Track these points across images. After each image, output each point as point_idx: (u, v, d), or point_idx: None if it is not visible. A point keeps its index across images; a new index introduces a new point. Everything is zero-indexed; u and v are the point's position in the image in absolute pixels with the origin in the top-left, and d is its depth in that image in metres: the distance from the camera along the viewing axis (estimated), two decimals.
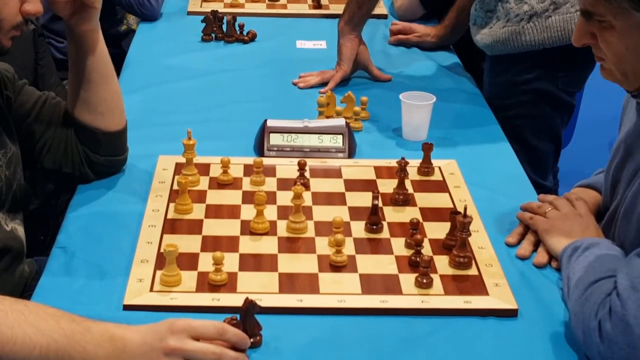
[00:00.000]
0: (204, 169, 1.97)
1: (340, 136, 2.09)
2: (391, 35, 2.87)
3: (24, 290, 1.77)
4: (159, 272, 1.59)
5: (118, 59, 2.24)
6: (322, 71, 2.53)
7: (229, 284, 1.58)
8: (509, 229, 1.80)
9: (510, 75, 2.47)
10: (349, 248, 1.69)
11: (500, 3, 2.41)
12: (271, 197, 1.85)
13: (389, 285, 1.60)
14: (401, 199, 1.87)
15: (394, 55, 2.78)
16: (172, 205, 1.82)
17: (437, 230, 1.77)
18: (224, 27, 2.86)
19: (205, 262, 1.63)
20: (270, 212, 1.79)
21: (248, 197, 1.85)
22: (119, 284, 1.57)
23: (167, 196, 1.86)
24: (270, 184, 1.93)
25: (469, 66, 2.74)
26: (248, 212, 1.80)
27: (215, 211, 1.82)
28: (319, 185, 1.94)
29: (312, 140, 2.08)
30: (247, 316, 1.42)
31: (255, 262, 1.65)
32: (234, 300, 1.50)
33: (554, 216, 1.74)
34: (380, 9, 3.08)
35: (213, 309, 1.51)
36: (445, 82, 2.58)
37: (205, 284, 1.57)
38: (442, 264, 1.66)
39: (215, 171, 1.96)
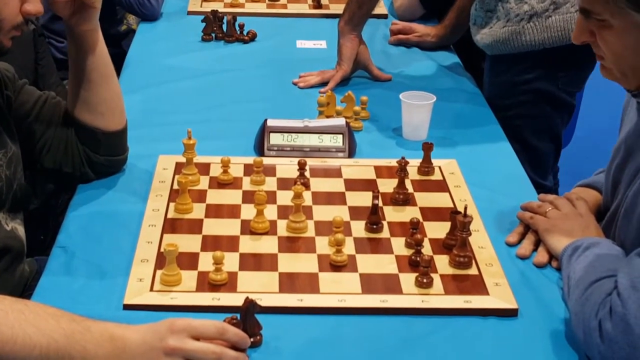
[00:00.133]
0: (204, 168, 1.97)
1: (341, 136, 2.09)
2: (391, 35, 2.87)
3: (24, 289, 1.77)
4: (159, 272, 1.59)
5: (118, 59, 2.24)
6: (322, 71, 2.53)
7: (229, 284, 1.58)
8: (509, 228, 1.80)
9: (511, 75, 2.47)
10: (349, 248, 1.69)
11: (500, 3, 2.41)
12: (271, 197, 1.85)
13: (389, 284, 1.60)
14: (401, 198, 1.87)
15: (394, 55, 2.78)
16: (172, 204, 1.82)
17: (437, 229, 1.77)
18: (224, 27, 2.86)
19: (206, 261, 1.63)
20: (271, 212, 1.79)
21: (248, 197, 1.85)
22: (119, 284, 1.57)
23: (167, 196, 1.86)
24: (271, 183, 1.93)
25: (469, 66, 2.74)
26: (248, 211, 1.80)
27: (215, 211, 1.82)
28: (319, 184, 1.94)
29: (312, 140, 2.08)
30: (247, 316, 1.42)
31: (255, 262, 1.65)
32: (234, 299, 1.50)
33: (555, 216, 1.74)
34: (380, 8, 3.08)
35: (213, 309, 1.51)
36: (446, 82, 2.58)
37: (206, 284, 1.57)
38: (442, 263, 1.66)
39: (216, 171, 1.96)
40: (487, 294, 1.58)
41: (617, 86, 1.61)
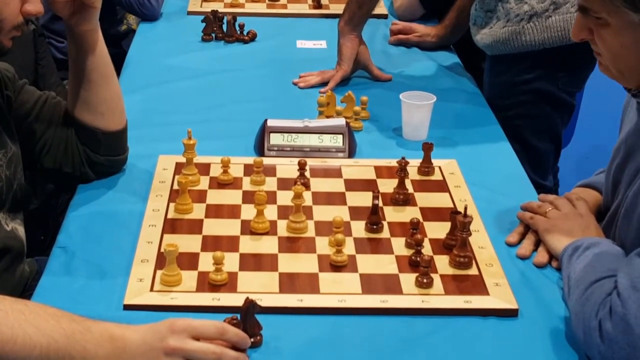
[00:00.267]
0: (204, 168, 1.97)
1: (341, 136, 2.09)
2: (391, 35, 2.87)
3: (24, 290, 1.77)
4: (159, 272, 1.59)
5: (118, 59, 2.24)
6: (322, 71, 2.53)
7: (229, 284, 1.58)
8: (509, 228, 1.80)
9: (510, 75, 2.47)
10: (349, 248, 1.69)
11: (500, 3, 2.41)
12: (271, 197, 1.85)
13: (389, 285, 1.60)
14: (401, 198, 1.87)
15: (394, 55, 2.78)
16: (172, 205, 1.82)
17: (438, 230, 1.77)
18: (224, 27, 2.86)
19: (206, 261, 1.63)
20: (271, 212, 1.79)
21: (248, 197, 1.85)
22: (119, 284, 1.57)
23: (167, 196, 1.86)
24: (271, 183, 1.93)
25: (469, 66, 2.74)
26: (248, 211, 1.80)
27: (215, 211, 1.82)
28: (319, 185, 1.94)
29: (312, 140, 2.08)
30: (248, 316, 1.42)
31: (255, 262, 1.65)
32: (234, 300, 1.50)
33: (555, 216, 1.74)
34: (380, 8, 3.08)
35: (213, 309, 1.51)
36: (446, 82, 2.58)
37: (206, 284, 1.57)
38: (443, 263, 1.66)
39: (216, 171, 1.96)
40: (487, 294, 1.58)
41: (617, 86, 1.61)
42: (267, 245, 1.71)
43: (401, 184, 1.88)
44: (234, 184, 1.93)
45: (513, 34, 2.39)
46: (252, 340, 1.42)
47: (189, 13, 3.06)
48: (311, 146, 2.08)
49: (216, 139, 2.13)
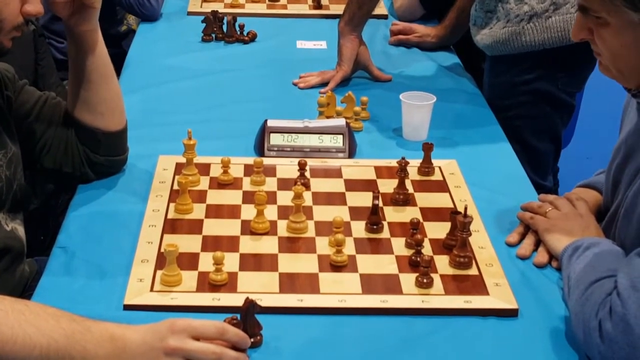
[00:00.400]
0: (204, 168, 1.97)
1: (341, 136, 2.09)
2: (391, 35, 2.87)
3: (24, 290, 1.77)
4: (159, 272, 1.59)
5: (118, 59, 2.24)
6: (322, 71, 2.53)
7: (229, 284, 1.58)
8: (509, 228, 1.80)
9: (510, 76, 2.47)
10: (349, 248, 1.69)
11: (500, 3, 2.41)
12: (271, 197, 1.85)
13: (389, 285, 1.60)
14: (401, 198, 1.87)
15: (394, 55, 2.79)
16: (172, 205, 1.82)
17: (438, 230, 1.77)
18: (224, 28, 2.86)
19: (206, 262, 1.63)
20: (271, 212, 1.79)
21: (248, 197, 1.85)
22: (119, 284, 1.57)
23: (167, 196, 1.86)
24: (271, 183, 1.93)
25: (469, 66, 2.74)
26: (248, 212, 1.80)
27: (215, 211, 1.82)
28: (319, 185, 1.94)
29: (312, 140, 2.08)
30: (248, 316, 1.42)
31: (255, 262, 1.65)
32: (234, 300, 1.50)
33: (555, 216, 1.74)
34: (380, 9, 3.08)
35: (213, 309, 1.51)
36: (446, 82, 2.58)
37: (206, 284, 1.57)
38: (443, 263, 1.66)
39: (216, 171, 1.96)
40: (487, 294, 1.58)
41: (617, 86, 1.61)
42: (267, 245, 1.71)
43: (401, 184, 1.88)
44: (234, 184, 1.93)
45: (513, 35, 2.39)
46: (252, 340, 1.42)
47: (189, 13, 3.06)
48: (311, 146, 2.08)
49: (216, 139, 2.13)
